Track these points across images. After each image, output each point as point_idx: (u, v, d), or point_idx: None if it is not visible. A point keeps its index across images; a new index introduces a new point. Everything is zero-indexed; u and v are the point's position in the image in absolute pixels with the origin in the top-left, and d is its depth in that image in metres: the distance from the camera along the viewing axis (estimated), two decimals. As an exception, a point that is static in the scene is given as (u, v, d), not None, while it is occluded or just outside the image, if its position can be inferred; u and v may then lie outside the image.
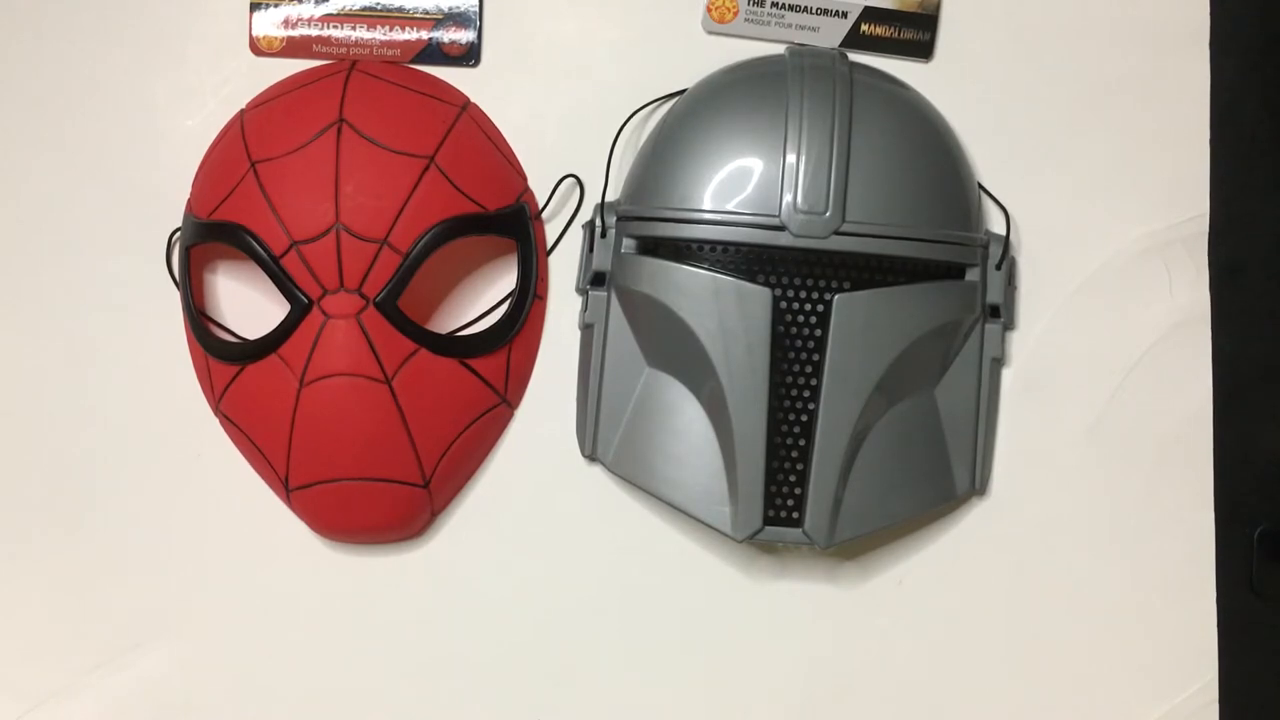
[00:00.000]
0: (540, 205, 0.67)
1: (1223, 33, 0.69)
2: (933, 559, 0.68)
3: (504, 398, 0.66)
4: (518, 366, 0.66)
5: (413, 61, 0.66)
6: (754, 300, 0.60)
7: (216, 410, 0.66)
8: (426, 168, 0.61)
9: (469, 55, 0.67)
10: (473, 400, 0.64)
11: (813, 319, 0.60)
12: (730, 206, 0.61)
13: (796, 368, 0.60)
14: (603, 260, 0.65)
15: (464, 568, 0.67)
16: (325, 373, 0.60)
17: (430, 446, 0.63)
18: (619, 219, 0.64)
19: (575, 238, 0.67)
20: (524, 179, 0.67)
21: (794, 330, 0.60)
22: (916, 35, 0.67)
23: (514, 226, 0.65)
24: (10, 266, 0.67)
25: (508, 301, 0.66)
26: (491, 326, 0.65)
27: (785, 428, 0.61)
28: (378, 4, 0.66)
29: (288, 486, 0.63)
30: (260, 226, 0.60)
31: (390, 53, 0.66)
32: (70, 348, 0.67)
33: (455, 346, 0.63)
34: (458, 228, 0.62)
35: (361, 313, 0.60)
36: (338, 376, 0.60)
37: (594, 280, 0.65)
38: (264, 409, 0.62)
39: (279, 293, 0.61)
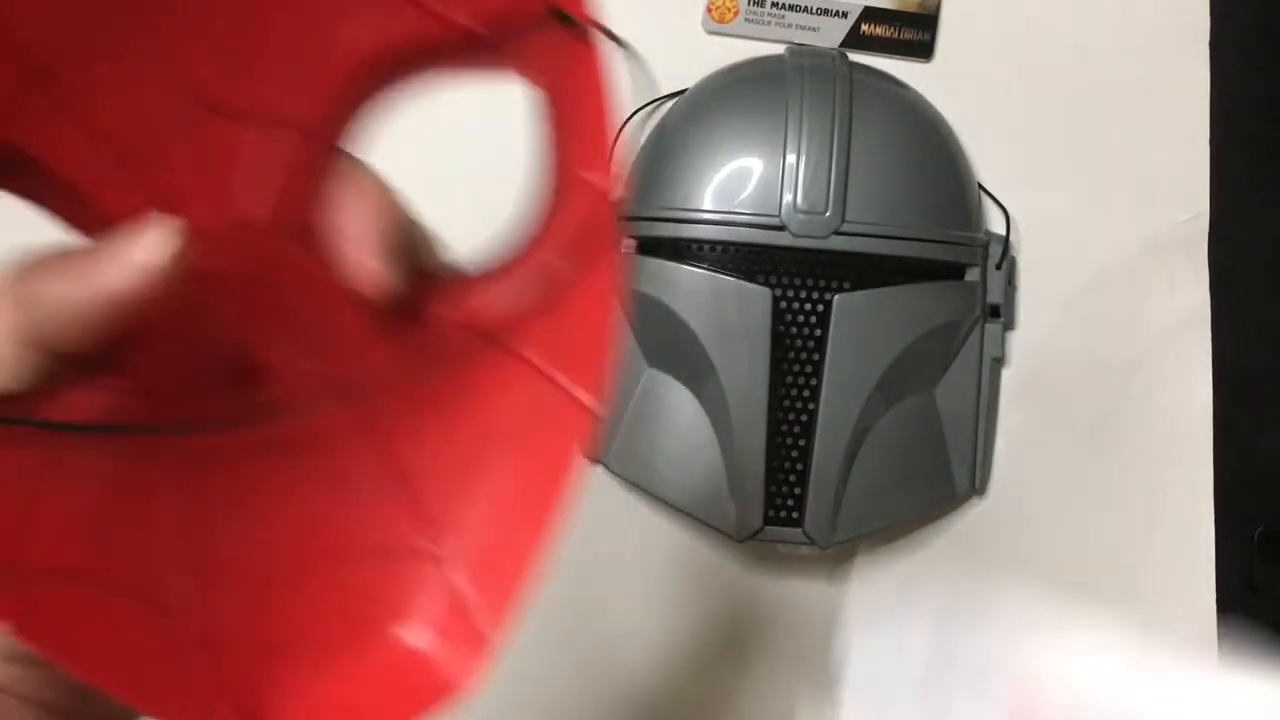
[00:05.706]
0: (540, 205, 0.67)
1: (1223, 33, 0.69)
2: (933, 559, 0.68)
3: (504, 398, 0.65)
4: (518, 366, 0.66)
5: (413, 61, 0.66)
6: (754, 300, 0.59)
7: (216, 410, 0.66)
8: (426, 168, 0.61)
9: (469, 55, 0.67)
10: (473, 400, 0.64)
11: (813, 319, 0.60)
12: (730, 206, 0.60)
13: (796, 368, 0.60)
14: (603, 260, 0.65)
15: (464, 568, 0.67)
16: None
17: (430, 446, 0.63)
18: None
19: (575, 238, 0.67)
20: (524, 179, 0.67)
21: (794, 330, 0.60)
22: (916, 35, 0.67)
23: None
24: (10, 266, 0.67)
25: (508, 301, 0.65)
26: (491, 326, 0.65)
27: (785, 427, 0.61)
28: (378, 4, 0.66)
29: (288, 486, 0.63)
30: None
31: (390, 53, 0.66)
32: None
33: (455, 346, 0.63)
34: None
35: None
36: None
37: (594, 280, 0.65)
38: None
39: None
